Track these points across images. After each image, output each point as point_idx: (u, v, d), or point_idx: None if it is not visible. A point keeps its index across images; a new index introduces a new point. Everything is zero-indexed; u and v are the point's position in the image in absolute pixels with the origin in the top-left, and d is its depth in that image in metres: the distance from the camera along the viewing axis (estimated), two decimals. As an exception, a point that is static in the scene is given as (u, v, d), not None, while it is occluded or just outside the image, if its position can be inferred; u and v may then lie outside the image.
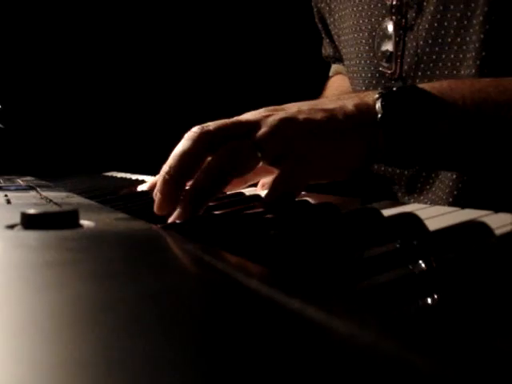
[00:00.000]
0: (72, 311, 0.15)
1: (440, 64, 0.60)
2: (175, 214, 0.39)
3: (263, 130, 0.43)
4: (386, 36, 0.65)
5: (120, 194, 0.61)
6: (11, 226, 0.29)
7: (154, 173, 0.68)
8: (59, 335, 0.13)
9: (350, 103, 0.45)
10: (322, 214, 0.36)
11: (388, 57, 0.65)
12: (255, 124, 0.43)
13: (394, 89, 0.45)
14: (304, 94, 0.73)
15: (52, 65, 1.42)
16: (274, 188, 0.42)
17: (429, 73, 0.61)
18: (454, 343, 0.13)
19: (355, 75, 0.72)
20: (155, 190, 0.42)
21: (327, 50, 0.88)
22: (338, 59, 0.85)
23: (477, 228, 0.28)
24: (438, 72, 0.61)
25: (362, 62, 0.69)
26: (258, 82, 1.51)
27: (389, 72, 0.65)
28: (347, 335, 0.13)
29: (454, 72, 0.59)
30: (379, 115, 0.44)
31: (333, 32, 0.80)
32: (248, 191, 0.53)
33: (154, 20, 1.52)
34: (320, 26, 0.85)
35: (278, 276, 0.21)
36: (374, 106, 0.44)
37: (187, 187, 0.42)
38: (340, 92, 0.82)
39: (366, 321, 0.15)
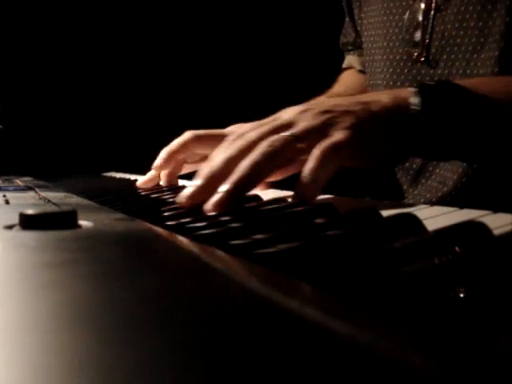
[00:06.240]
0: (70, 311, 0.15)
1: (463, 48, 0.62)
2: (214, 201, 0.39)
3: (303, 123, 0.43)
4: (416, 19, 0.67)
5: (123, 194, 0.61)
6: (10, 227, 0.29)
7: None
8: (58, 335, 0.13)
9: (385, 97, 0.46)
10: (320, 215, 0.36)
11: (417, 40, 0.67)
12: (293, 122, 0.44)
13: (431, 83, 0.46)
14: (307, 93, 0.74)
15: (51, 65, 1.42)
16: (308, 175, 0.41)
17: (453, 56, 0.63)
18: (453, 343, 0.13)
19: (379, 57, 0.73)
20: (195, 184, 0.42)
21: (348, 36, 0.89)
22: (357, 46, 0.86)
23: (475, 228, 0.28)
24: (460, 56, 0.62)
25: (391, 44, 0.71)
26: (256, 83, 1.51)
27: (415, 55, 0.67)
28: (346, 335, 0.13)
29: (475, 56, 0.61)
30: (418, 108, 0.44)
31: (356, 17, 0.81)
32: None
33: (153, 21, 1.52)
34: (346, 9, 0.87)
35: (277, 276, 0.21)
36: (409, 99, 0.45)
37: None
38: (346, 87, 0.83)
39: (364, 321, 0.15)
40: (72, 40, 1.44)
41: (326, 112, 0.43)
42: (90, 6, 1.45)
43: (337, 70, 0.93)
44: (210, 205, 0.39)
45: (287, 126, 0.44)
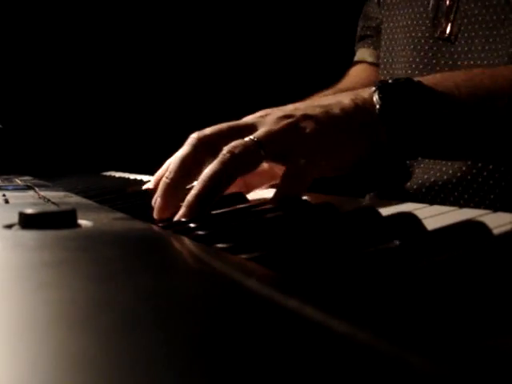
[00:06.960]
0: (70, 311, 0.15)
1: (484, 25, 0.63)
2: (179, 214, 0.39)
3: (263, 128, 0.43)
4: None
5: (122, 194, 0.61)
6: (9, 226, 0.29)
7: (153, 173, 0.68)
8: (57, 335, 0.13)
9: (346, 98, 0.45)
10: (320, 214, 0.36)
11: (442, 18, 0.68)
12: (254, 125, 0.44)
13: (390, 81, 0.46)
14: (306, 95, 0.74)
15: (51, 64, 1.42)
16: (282, 185, 0.42)
17: (473, 33, 0.64)
18: (451, 343, 0.13)
19: (402, 36, 0.74)
20: (156, 195, 0.42)
21: (371, 20, 0.87)
22: (378, 32, 0.85)
23: (475, 228, 0.27)
24: (480, 33, 0.63)
25: (414, 22, 0.72)
26: (259, 83, 1.51)
27: (438, 33, 0.68)
28: (345, 334, 0.13)
29: (494, 32, 0.62)
30: (377, 107, 0.44)
31: (381, 1, 0.82)
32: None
33: (154, 20, 1.52)
34: None
35: (277, 276, 0.21)
36: (371, 99, 0.45)
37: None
38: (355, 83, 0.83)
39: (363, 320, 0.15)
40: (72, 40, 1.44)
41: (286, 117, 0.43)
42: (90, 5, 1.45)
43: (340, 67, 0.91)
44: (175, 219, 0.39)
45: (248, 129, 0.44)
